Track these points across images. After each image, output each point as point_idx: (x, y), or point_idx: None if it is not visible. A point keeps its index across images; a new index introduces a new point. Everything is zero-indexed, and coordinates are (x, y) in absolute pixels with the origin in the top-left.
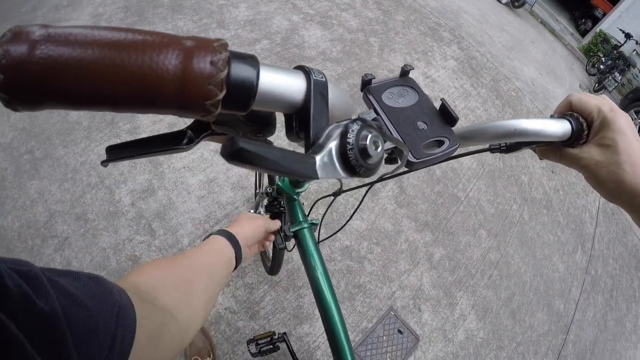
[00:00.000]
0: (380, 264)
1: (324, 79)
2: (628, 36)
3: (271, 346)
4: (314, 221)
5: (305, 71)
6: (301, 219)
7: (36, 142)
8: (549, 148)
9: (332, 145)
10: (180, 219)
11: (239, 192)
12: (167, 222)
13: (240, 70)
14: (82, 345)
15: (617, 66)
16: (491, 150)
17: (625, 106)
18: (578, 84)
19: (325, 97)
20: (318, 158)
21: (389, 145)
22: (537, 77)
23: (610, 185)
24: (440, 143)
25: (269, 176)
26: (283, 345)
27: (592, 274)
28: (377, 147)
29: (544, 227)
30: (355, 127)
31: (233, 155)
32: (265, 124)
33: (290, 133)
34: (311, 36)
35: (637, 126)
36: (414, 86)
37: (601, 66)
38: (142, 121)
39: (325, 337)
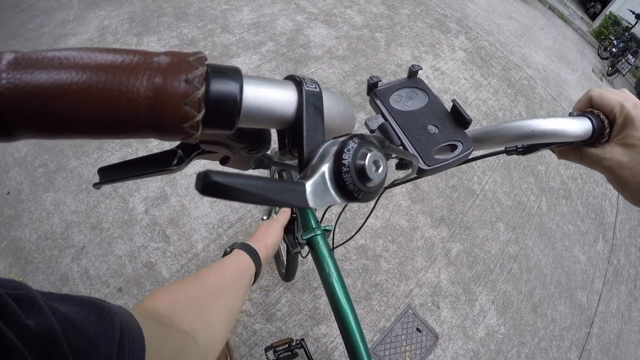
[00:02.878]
0: (397, 261)
1: (317, 89)
2: (638, 17)
3: (289, 353)
4: (327, 227)
5: (296, 81)
6: (314, 226)
7: (50, 155)
8: (568, 148)
9: (325, 167)
10: (194, 224)
11: None
12: (181, 228)
13: (220, 86)
14: None
15: (629, 48)
16: (507, 152)
17: None
18: (591, 69)
19: (319, 110)
20: (309, 184)
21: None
22: (549, 64)
23: (635, 187)
24: (453, 147)
25: None
26: (301, 352)
27: (614, 264)
28: (377, 168)
29: (563, 217)
30: (352, 144)
31: (206, 190)
32: (258, 141)
33: (284, 150)
34: (316, 35)
35: None
36: (423, 87)
37: (613, 49)
38: None
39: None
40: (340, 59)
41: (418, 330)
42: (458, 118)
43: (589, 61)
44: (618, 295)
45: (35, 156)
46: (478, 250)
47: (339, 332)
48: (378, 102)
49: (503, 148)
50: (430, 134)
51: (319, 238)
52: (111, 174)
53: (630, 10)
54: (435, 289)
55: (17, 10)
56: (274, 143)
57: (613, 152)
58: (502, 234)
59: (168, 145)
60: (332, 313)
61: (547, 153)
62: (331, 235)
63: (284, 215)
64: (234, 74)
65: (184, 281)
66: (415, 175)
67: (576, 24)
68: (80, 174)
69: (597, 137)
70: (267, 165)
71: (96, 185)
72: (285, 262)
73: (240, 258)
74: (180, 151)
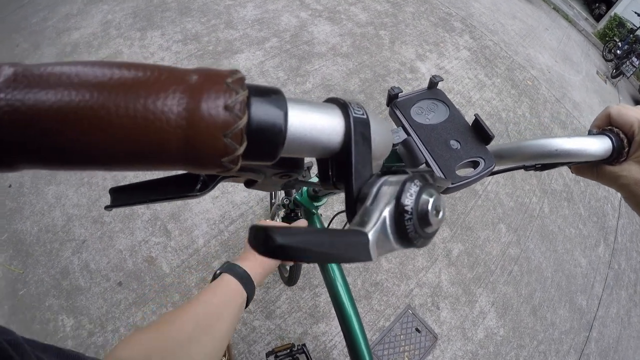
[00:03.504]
0: (397, 261)
1: (365, 116)
2: None
3: (290, 358)
4: None
5: (342, 106)
6: None
7: None
8: (585, 166)
9: (386, 212)
10: (195, 219)
11: (253, 191)
12: (182, 223)
13: (263, 114)
14: None
15: (634, 50)
16: (525, 168)
17: None
18: (595, 71)
19: (367, 139)
20: (371, 234)
21: None
22: (553, 65)
23: None
24: (475, 163)
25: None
26: (302, 357)
27: (615, 269)
28: (438, 213)
29: (565, 220)
30: (413, 188)
31: (271, 252)
32: (291, 167)
33: (326, 182)
34: (320, 32)
35: None
36: (443, 99)
37: (618, 51)
38: None
39: (342, 336)
40: (344, 56)
41: (417, 330)
42: (480, 133)
43: (594, 63)
44: (618, 300)
45: None
46: (479, 251)
47: (338, 330)
48: (399, 113)
49: (521, 164)
50: (453, 149)
51: None
52: (125, 196)
53: (635, 12)
54: (435, 289)
55: (20, 4)
56: None
57: (630, 169)
58: (504, 235)
59: None
60: (331, 311)
61: None
62: None
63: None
64: (278, 98)
65: (161, 323)
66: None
67: (581, 25)
68: None
69: (617, 156)
70: (293, 186)
71: (108, 208)
72: (288, 267)
73: (230, 286)
74: (203, 175)
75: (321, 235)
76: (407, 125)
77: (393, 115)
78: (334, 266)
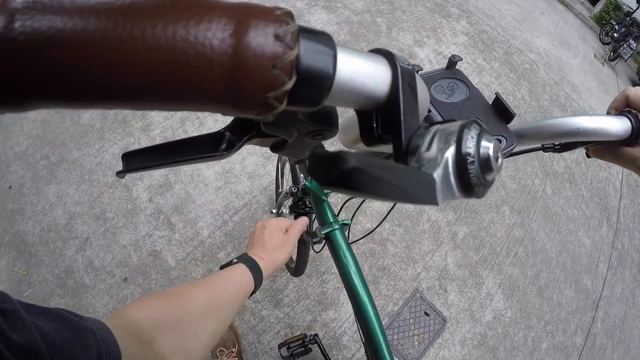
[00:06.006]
0: (404, 245)
1: (410, 67)
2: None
3: (303, 349)
4: (345, 221)
5: (389, 56)
6: (332, 220)
7: (51, 148)
8: (603, 147)
9: (449, 156)
10: (199, 211)
11: (256, 180)
12: (186, 215)
13: (313, 52)
14: None
15: (631, 33)
16: (544, 149)
17: None
18: (592, 54)
19: (414, 91)
20: (437, 175)
21: None
22: (550, 49)
23: None
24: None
25: (292, 175)
26: (315, 347)
27: (618, 249)
28: (498, 159)
29: (568, 201)
30: (474, 132)
31: (345, 176)
32: (328, 123)
33: (369, 135)
34: (317, 21)
35: None
36: (463, 79)
37: (615, 34)
38: (155, 118)
39: (351, 322)
40: (341, 44)
41: (426, 314)
42: (501, 112)
43: (591, 46)
44: (622, 280)
45: (37, 149)
46: (484, 234)
47: (347, 316)
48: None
49: (540, 145)
50: None
51: (337, 232)
52: (140, 159)
53: None
54: (442, 272)
55: None
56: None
57: None
58: (508, 217)
59: (192, 130)
60: (339, 297)
61: None
62: (348, 229)
63: (301, 225)
64: (327, 39)
65: (175, 292)
66: None
67: (577, 8)
68: (82, 165)
69: (636, 137)
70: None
71: (120, 174)
72: (295, 258)
73: (245, 277)
74: (228, 133)
75: (394, 167)
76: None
77: None
78: (345, 249)
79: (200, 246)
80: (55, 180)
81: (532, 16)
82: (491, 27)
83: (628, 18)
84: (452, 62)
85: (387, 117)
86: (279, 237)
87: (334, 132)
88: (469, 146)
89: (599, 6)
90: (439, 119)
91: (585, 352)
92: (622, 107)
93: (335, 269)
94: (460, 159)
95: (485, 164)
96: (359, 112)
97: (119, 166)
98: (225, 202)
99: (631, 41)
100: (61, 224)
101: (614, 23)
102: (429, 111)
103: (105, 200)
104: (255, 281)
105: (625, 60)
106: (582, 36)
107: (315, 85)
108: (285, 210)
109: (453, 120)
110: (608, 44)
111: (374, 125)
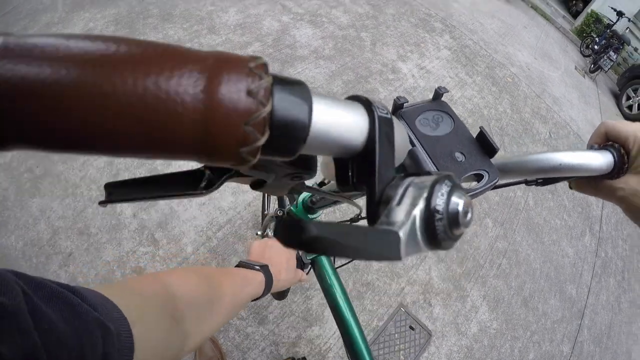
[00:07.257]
0: None
1: (389, 115)
2: (620, 14)
3: None
4: None
5: (366, 104)
6: None
7: (35, 160)
8: (585, 181)
9: (416, 213)
10: (183, 227)
11: (240, 196)
12: (170, 231)
13: (287, 105)
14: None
15: (611, 45)
16: (527, 183)
17: (622, 85)
18: (573, 66)
19: (391, 140)
20: (402, 233)
21: None
22: (532, 62)
23: None
24: (478, 176)
25: (278, 198)
26: None
27: (602, 257)
28: (467, 215)
29: (550, 212)
30: (444, 188)
31: (305, 244)
32: (305, 167)
33: (344, 183)
34: (302, 35)
35: (637, 103)
36: (448, 111)
37: (595, 46)
38: None
39: (336, 338)
40: (326, 58)
41: (411, 328)
42: (485, 145)
43: (572, 59)
44: (607, 287)
45: (21, 161)
46: (467, 247)
47: (332, 333)
48: (404, 123)
49: (523, 179)
50: (457, 161)
51: (323, 258)
52: (121, 192)
53: (612, 8)
54: (426, 286)
55: (2, 12)
56: None
57: (628, 181)
58: (491, 229)
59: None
60: (324, 313)
61: (532, 148)
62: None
63: (303, 278)
64: (302, 89)
65: (211, 277)
66: None
67: (558, 22)
68: (66, 179)
69: (617, 171)
70: (299, 191)
71: (102, 204)
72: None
73: (261, 286)
74: (208, 172)
75: (355, 231)
76: (412, 136)
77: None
78: (331, 273)
79: (184, 263)
80: (39, 194)
81: (515, 30)
82: (474, 42)
83: (608, 30)
84: (438, 94)
85: (362, 166)
86: (292, 272)
87: (312, 175)
88: (439, 203)
89: (580, 19)
90: (423, 154)
91: None
92: (602, 141)
93: (318, 285)
94: (428, 215)
95: (453, 221)
96: (336, 159)
97: (104, 180)
98: (209, 218)
99: (611, 53)
100: (44, 239)
101: (595, 36)
102: (413, 145)
103: (89, 215)
104: (265, 289)
105: (606, 72)
106: (563, 49)
107: (290, 136)
108: (270, 232)
109: (428, 174)
110: (589, 56)
111: (349, 174)
